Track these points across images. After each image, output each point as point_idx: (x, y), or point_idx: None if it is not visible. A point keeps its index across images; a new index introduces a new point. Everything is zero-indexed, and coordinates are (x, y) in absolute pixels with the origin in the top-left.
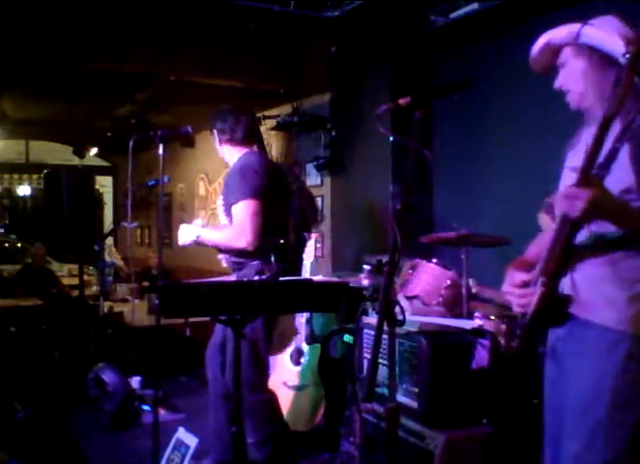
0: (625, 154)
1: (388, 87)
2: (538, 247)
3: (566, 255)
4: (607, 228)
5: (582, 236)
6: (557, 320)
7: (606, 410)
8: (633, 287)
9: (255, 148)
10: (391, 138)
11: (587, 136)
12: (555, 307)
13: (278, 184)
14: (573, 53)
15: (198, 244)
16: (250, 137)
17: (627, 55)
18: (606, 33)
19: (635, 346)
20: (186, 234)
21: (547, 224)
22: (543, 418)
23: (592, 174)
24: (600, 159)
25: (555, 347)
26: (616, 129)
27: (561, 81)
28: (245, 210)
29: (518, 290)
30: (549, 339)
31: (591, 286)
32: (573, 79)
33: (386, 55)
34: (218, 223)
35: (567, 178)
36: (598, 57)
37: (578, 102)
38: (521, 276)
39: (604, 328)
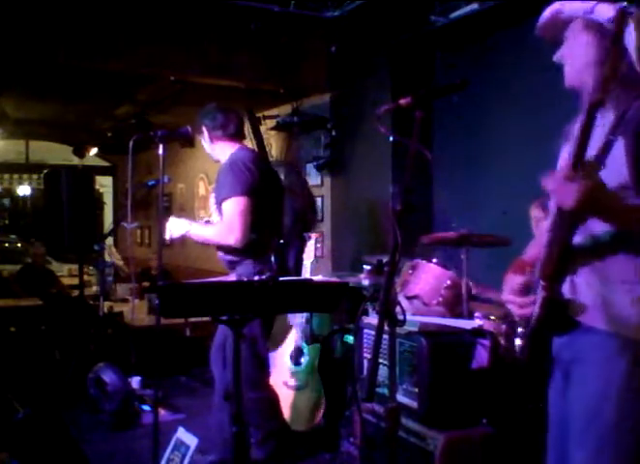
0: (620, 147)
1: (388, 87)
2: (537, 248)
3: (564, 257)
4: (604, 229)
5: (579, 237)
6: (561, 326)
7: (614, 417)
8: (635, 290)
9: (246, 143)
10: (391, 138)
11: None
12: (558, 312)
13: (270, 180)
14: (582, 27)
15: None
16: (241, 132)
17: (612, 22)
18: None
19: None
20: (175, 228)
21: (537, 216)
22: (548, 423)
23: (586, 161)
24: (594, 152)
25: (559, 353)
26: (609, 119)
27: (562, 53)
28: (234, 207)
29: (519, 299)
30: (553, 345)
31: (591, 290)
32: (575, 53)
33: (386, 55)
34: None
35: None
36: (607, 36)
37: (573, 79)
38: (519, 280)
39: (608, 333)
